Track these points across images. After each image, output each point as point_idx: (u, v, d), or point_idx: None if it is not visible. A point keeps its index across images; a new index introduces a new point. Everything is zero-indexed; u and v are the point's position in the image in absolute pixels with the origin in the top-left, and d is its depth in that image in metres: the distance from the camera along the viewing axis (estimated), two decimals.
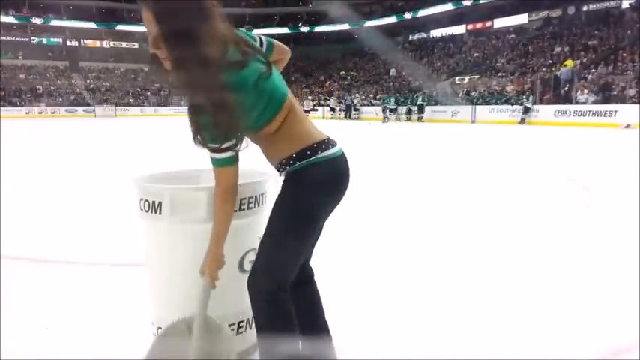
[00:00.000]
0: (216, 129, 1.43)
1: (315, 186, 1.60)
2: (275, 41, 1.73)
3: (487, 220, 4.62)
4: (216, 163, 1.52)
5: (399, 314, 2.49)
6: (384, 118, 27.38)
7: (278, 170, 1.67)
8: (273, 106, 1.56)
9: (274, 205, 1.65)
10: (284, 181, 1.64)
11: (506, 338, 2.24)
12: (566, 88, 23.43)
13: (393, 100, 28.87)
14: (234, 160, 1.53)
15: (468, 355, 2.08)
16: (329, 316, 1.90)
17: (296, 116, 1.62)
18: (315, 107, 35.11)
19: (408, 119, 27.59)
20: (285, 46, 1.79)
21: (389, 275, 3.07)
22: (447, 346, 2.17)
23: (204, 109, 1.41)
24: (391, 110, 28.70)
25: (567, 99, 22.56)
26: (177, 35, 1.36)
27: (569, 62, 24.89)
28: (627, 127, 18.08)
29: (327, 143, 1.64)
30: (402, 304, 2.62)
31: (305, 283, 1.83)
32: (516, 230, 4.25)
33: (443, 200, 5.61)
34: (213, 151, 1.48)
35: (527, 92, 23.87)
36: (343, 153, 1.69)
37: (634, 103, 19.15)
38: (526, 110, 22.34)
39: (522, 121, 22.21)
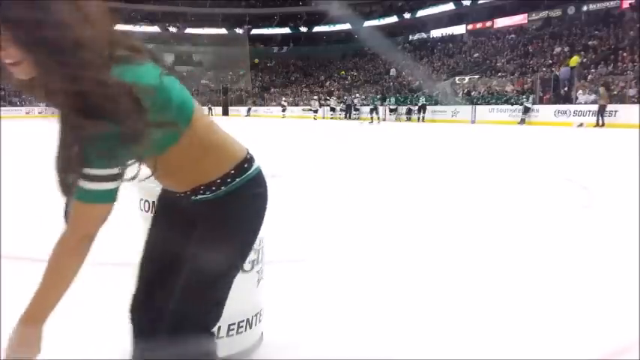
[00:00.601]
0: (120, 142, 1.03)
1: (261, 200, 1.37)
2: None
3: (486, 220, 4.60)
4: (90, 196, 1.08)
5: (399, 314, 2.47)
6: (371, 118, 27.10)
7: (203, 193, 1.29)
8: (185, 114, 1.20)
9: (209, 235, 1.31)
10: (216, 204, 1.29)
11: (506, 338, 2.22)
12: (566, 89, 23.43)
13: (393, 100, 28.75)
14: (115, 196, 1.11)
15: (468, 355, 2.06)
16: (329, 317, 1.87)
17: (213, 125, 1.30)
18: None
19: (409, 119, 27.54)
20: None
21: (388, 275, 3.05)
22: (447, 346, 2.15)
23: (100, 115, 1.00)
24: (391, 110, 28.71)
25: (567, 99, 22.54)
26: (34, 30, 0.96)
27: (575, 59, 24.84)
28: (580, 125, 18.78)
29: (250, 153, 1.37)
30: (401, 304, 2.59)
31: None
32: (516, 230, 4.23)
33: (443, 200, 5.59)
34: (92, 179, 1.06)
35: (527, 92, 23.84)
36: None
37: (634, 103, 19.14)
38: (526, 110, 22.31)
39: (522, 122, 22.18)
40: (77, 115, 1.03)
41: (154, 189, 1.91)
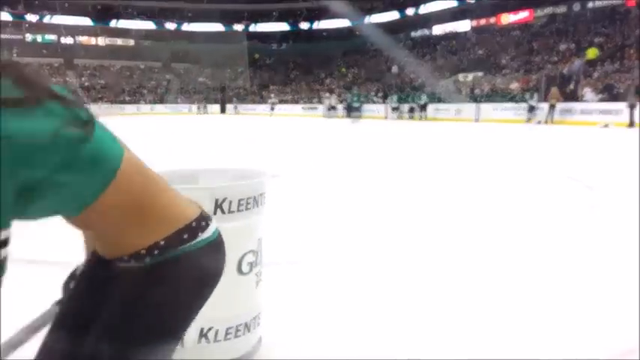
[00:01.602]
0: None
1: (197, 281, 1.09)
2: None
3: (490, 221, 4.59)
4: None
5: (399, 315, 2.48)
6: (352, 117, 26.59)
7: (126, 261, 1.06)
8: (102, 171, 0.92)
9: (117, 307, 1.06)
10: (135, 274, 1.05)
11: (509, 338, 2.23)
12: (572, 87, 23.00)
13: (395, 98, 28.24)
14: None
15: (469, 355, 2.07)
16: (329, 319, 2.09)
17: (152, 183, 1.06)
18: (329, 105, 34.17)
19: (411, 117, 27.09)
20: None
21: (388, 276, 3.05)
22: (448, 346, 2.17)
23: None
24: (393, 109, 28.27)
25: (573, 97, 22.10)
26: None
27: (594, 51, 24.40)
28: (606, 126, 18.35)
29: (206, 219, 1.11)
30: (401, 305, 2.62)
31: None
32: (520, 230, 4.22)
33: (447, 199, 5.59)
34: None
35: (532, 90, 23.38)
36: (219, 232, 1.15)
37: None
38: (531, 109, 21.88)
39: (529, 120, 21.75)
40: None
41: None
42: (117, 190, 0.94)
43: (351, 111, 27.73)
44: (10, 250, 0.81)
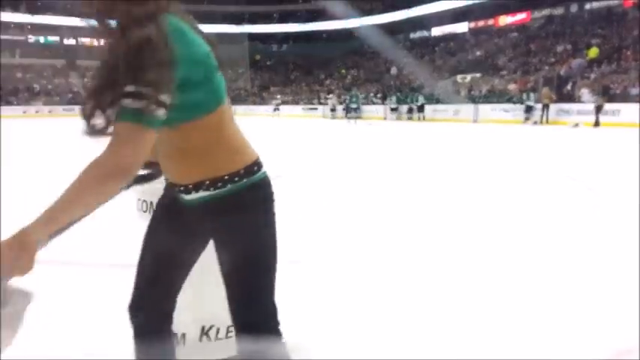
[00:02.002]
0: (155, 71, 1.07)
1: (268, 203, 1.38)
2: None
3: (489, 221, 4.63)
4: (132, 115, 1.07)
5: (399, 315, 2.50)
6: (348, 117, 26.88)
7: (206, 189, 1.29)
8: (214, 98, 1.25)
9: (231, 242, 1.34)
10: (222, 209, 1.31)
11: (508, 338, 2.26)
12: (569, 87, 23.29)
13: (394, 99, 28.49)
14: (155, 125, 1.10)
15: (468, 355, 2.09)
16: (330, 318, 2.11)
17: (234, 123, 1.34)
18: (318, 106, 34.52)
19: (410, 118, 27.39)
20: None
21: (389, 276, 3.07)
22: (447, 345, 2.18)
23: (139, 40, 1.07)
24: (392, 109, 28.55)
25: (570, 98, 22.39)
26: None
27: (595, 50, 24.62)
28: (576, 126, 19.28)
29: (260, 161, 1.41)
30: (401, 305, 2.63)
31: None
32: (519, 230, 4.27)
33: (445, 200, 5.63)
34: (134, 96, 1.06)
35: (528, 91, 23.66)
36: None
37: (637, 102, 18.98)
38: (528, 109, 22.17)
39: (526, 120, 22.05)
40: (124, 38, 1.09)
41: (150, 189, 1.82)
42: (219, 118, 1.26)
43: (349, 112, 28.12)
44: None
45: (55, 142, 14.42)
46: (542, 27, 32.82)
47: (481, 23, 37.78)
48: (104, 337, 2.28)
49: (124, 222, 3.36)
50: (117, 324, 2.27)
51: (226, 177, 1.27)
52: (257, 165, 1.34)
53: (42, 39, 48.46)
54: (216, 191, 1.27)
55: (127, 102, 1.06)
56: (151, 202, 1.84)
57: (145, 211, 1.94)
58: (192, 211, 1.33)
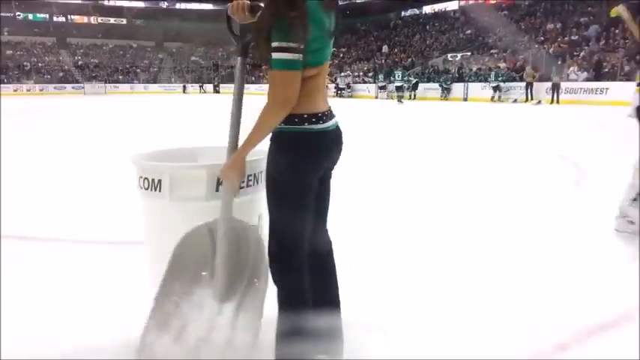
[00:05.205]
0: (292, 24, 1.48)
1: (313, 150, 1.67)
2: None
3: (477, 201, 4.64)
4: (283, 64, 1.51)
5: (400, 311, 2.41)
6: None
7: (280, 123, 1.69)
8: (319, 56, 1.62)
9: (267, 169, 1.69)
10: (275, 140, 1.66)
11: (508, 334, 2.23)
12: (558, 64, 23.39)
13: (399, 75, 25.90)
14: (300, 67, 1.53)
15: (459, 348, 2.07)
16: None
17: (323, 83, 1.71)
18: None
19: (400, 97, 27.24)
20: None
21: (387, 268, 2.96)
22: (445, 340, 2.14)
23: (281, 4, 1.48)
24: (380, 88, 28.20)
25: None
26: None
27: (615, 11, 24.59)
28: (539, 103, 20.49)
29: (328, 116, 1.71)
30: (402, 300, 2.53)
31: (321, 255, 1.86)
32: (509, 210, 4.29)
33: (435, 180, 5.65)
34: (279, 50, 1.50)
35: (495, 70, 24.09)
36: (337, 126, 1.76)
37: (626, 80, 19.20)
38: (496, 89, 23.00)
39: (492, 99, 22.87)
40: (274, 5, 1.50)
41: (154, 167, 1.98)
42: (317, 72, 1.63)
43: (340, 90, 28.02)
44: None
45: (50, 121, 14.42)
46: (532, 5, 32.70)
47: (472, 1, 37.51)
48: (106, 313, 2.30)
49: (122, 199, 3.44)
50: (118, 300, 2.35)
51: (291, 115, 1.60)
52: (315, 117, 1.64)
53: (30, 16, 47.65)
54: (281, 126, 1.61)
55: (279, 55, 1.50)
56: (153, 180, 1.92)
57: (146, 189, 1.96)
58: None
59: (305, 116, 1.62)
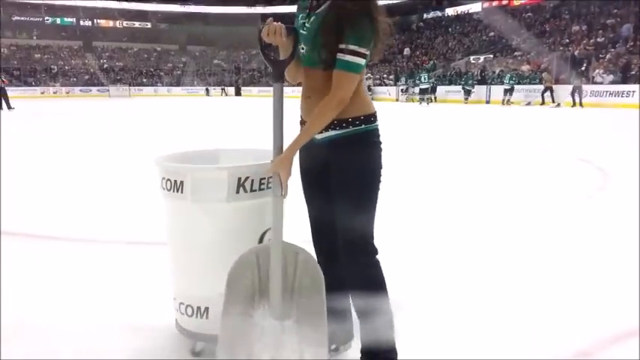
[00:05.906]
0: (371, 29, 1.59)
1: (378, 148, 1.78)
2: None
3: (499, 207, 4.59)
4: (351, 66, 1.60)
5: (401, 309, 2.31)
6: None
7: (334, 128, 1.73)
8: (365, 63, 1.69)
9: (345, 168, 1.74)
10: (342, 145, 1.72)
11: (510, 332, 2.24)
12: (583, 68, 23.02)
13: (424, 77, 25.55)
14: (361, 70, 1.64)
15: (464, 346, 2.08)
16: None
17: (364, 84, 1.78)
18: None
19: (421, 99, 27.07)
20: None
21: (392, 268, 2.95)
22: (445, 339, 2.15)
23: (364, 11, 1.58)
24: (402, 90, 28.02)
25: (587, 79, 22.09)
26: None
27: None
28: (557, 105, 20.35)
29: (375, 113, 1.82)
30: (404, 297, 2.46)
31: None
32: (532, 216, 4.21)
33: (455, 182, 5.66)
34: (353, 53, 1.59)
35: (469, 74, 24.81)
36: None
37: None
38: (466, 92, 23.68)
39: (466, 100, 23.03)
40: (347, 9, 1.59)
41: (176, 168, 2.00)
42: (362, 75, 1.70)
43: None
44: None
45: (76, 123, 14.59)
46: (557, 7, 32.21)
47: (495, 3, 37.11)
48: (130, 311, 2.34)
49: (145, 200, 3.48)
50: (142, 299, 2.43)
51: (350, 119, 1.70)
52: (373, 116, 1.75)
53: (58, 20, 48.63)
54: (340, 131, 1.71)
55: (348, 57, 1.59)
56: (175, 181, 1.93)
57: (169, 190, 1.97)
58: (319, 147, 1.75)
59: (375, 113, 1.76)
